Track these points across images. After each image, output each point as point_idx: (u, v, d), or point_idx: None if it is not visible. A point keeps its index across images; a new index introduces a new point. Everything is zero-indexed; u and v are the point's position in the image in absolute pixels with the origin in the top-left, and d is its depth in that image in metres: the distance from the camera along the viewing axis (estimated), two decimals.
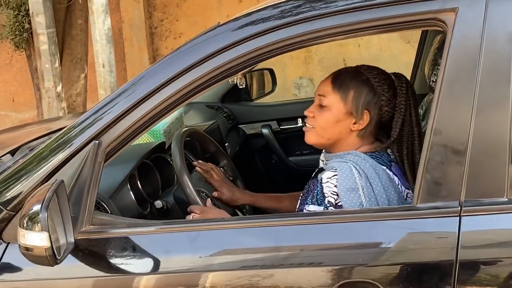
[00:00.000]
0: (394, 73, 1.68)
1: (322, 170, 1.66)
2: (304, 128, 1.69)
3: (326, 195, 1.52)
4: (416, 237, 1.31)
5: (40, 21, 4.02)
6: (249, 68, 1.91)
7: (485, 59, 1.28)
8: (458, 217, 1.27)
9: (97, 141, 1.45)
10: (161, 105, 1.45)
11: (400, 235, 1.31)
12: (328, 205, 1.51)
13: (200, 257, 1.41)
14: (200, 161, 2.02)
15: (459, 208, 1.28)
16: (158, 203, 1.93)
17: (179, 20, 5.61)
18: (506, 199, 1.27)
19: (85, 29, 4.51)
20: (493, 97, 1.28)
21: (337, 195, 1.50)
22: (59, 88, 4.21)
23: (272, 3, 1.50)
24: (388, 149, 1.65)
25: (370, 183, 1.51)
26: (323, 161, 1.77)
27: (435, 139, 1.31)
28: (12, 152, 2.08)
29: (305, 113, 1.66)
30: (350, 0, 1.40)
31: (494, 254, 1.28)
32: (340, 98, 1.59)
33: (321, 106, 1.62)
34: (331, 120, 1.61)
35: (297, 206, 1.65)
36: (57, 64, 4.19)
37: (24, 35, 4.45)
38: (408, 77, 2.83)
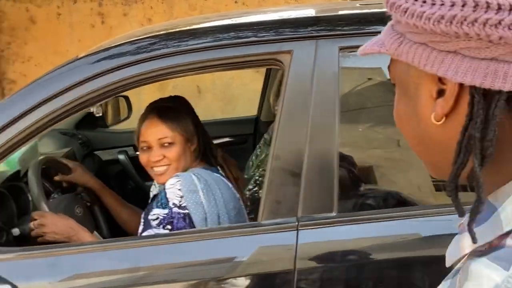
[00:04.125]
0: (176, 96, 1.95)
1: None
2: (156, 173, 1.81)
3: (169, 199, 1.69)
4: (262, 250, 1.48)
5: None
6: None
7: (315, 94, 1.49)
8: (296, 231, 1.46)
9: None
10: (17, 136, 1.49)
11: (248, 249, 1.47)
12: (172, 206, 1.68)
13: (59, 281, 1.46)
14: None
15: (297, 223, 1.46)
16: (16, 231, 1.92)
17: (28, 43, 5.44)
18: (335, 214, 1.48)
19: None
20: (323, 126, 1.49)
21: (181, 197, 1.69)
22: None
23: (130, 39, 1.61)
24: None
25: (209, 186, 1.74)
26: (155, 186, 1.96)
27: (275, 163, 1.49)
28: None
29: (153, 159, 1.79)
30: (201, 40, 1.55)
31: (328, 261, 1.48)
32: (178, 132, 1.80)
33: (164, 146, 1.79)
34: (181, 152, 1.81)
35: (141, 222, 1.76)
36: None
37: None
38: (256, 105, 3.04)
